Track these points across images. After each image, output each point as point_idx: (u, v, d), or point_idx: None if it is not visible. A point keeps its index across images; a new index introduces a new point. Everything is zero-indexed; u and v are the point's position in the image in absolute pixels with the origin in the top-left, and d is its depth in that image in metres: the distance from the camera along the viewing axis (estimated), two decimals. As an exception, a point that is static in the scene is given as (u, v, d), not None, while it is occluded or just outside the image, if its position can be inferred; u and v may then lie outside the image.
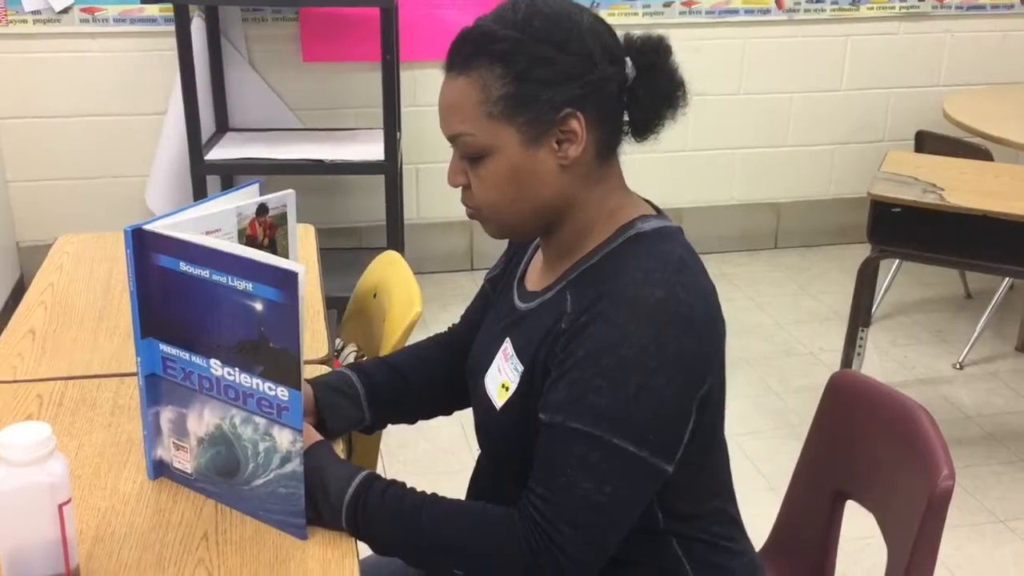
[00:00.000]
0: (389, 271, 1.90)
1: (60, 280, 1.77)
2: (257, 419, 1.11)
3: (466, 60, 1.11)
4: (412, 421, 1.51)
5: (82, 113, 3.43)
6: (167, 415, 1.19)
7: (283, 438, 1.10)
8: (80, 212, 3.52)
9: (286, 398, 1.08)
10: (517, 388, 1.18)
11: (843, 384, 1.52)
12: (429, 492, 1.14)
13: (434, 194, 3.75)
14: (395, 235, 3.18)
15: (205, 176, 3.12)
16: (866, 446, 1.45)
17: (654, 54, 1.16)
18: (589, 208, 1.17)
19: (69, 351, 1.52)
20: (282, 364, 1.06)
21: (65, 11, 3.30)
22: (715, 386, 1.15)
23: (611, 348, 1.06)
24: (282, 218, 1.29)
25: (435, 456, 2.72)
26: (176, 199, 3.31)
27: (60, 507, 0.95)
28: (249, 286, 1.05)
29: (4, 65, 3.33)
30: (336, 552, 1.10)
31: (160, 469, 1.22)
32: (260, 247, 1.28)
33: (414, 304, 1.72)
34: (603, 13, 3.62)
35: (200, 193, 3.15)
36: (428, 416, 1.48)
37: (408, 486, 1.14)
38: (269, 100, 3.51)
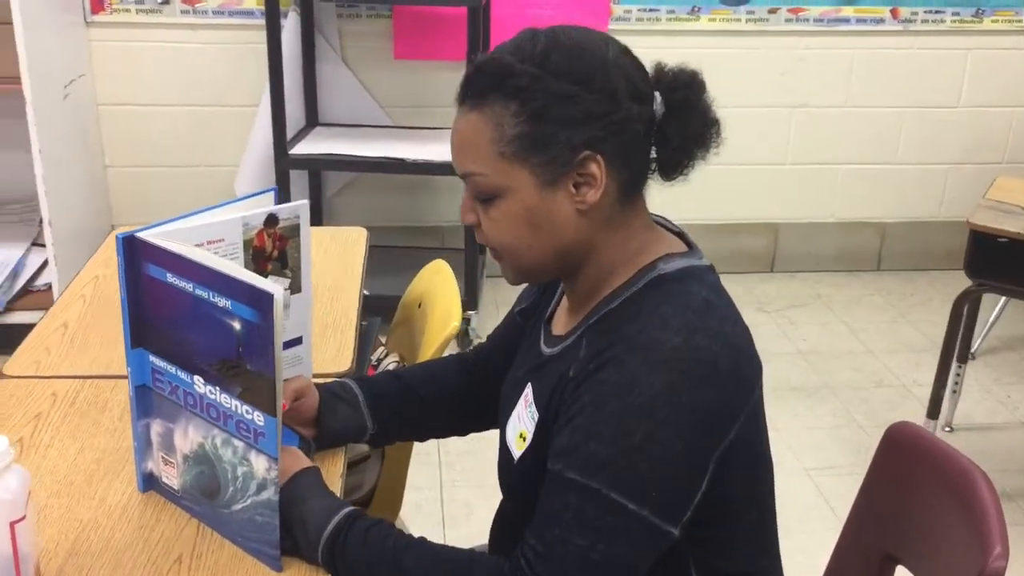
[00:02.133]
0: (435, 280, 1.84)
1: (106, 274, 1.77)
2: (236, 442, 1.06)
3: (480, 94, 1.04)
4: (423, 438, 1.45)
5: (179, 102, 3.49)
6: (156, 428, 1.16)
7: (259, 464, 1.05)
8: (173, 199, 3.59)
9: (262, 423, 1.02)
10: (532, 439, 1.11)
11: (900, 437, 1.39)
12: (417, 535, 1.08)
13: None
14: (474, 238, 3.12)
15: (288, 170, 3.13)
16: (920, 508, 1.33)
17: (687, 90, 1.06)
18: (610, 251, 1.09)
19: (94, 348, 1.51)
20: (258, 388, 1.01)
21: (166, 2, 3.36)
22: (744, 442, 1.04)
23: (618, 394, 0.98)
24: (294, 230, 1.24)
25: (495, 468, 2.65)
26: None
27: (12, 524, 0.92)
28: (228, 304, 1.01)
29: (105, 52, 3.41)
30: (308, 588, 1.05)
31: (150, 482, 1.19)
32: (268, 259, 1.23)
33: (452, 317, 1.67)
34: (704, 20, 3.48)
35: (283, 187, 3.16)
36: (440, 434, 1.42)
37: (394, 527, 1.08)
38: (359, 96, 3.50)
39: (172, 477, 1.16)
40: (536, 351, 1.18)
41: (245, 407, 1.03)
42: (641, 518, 0.98)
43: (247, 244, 1.20)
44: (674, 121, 1.06)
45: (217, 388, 1.06)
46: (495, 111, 1.03)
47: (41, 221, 3.06)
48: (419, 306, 1.86)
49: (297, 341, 1.31)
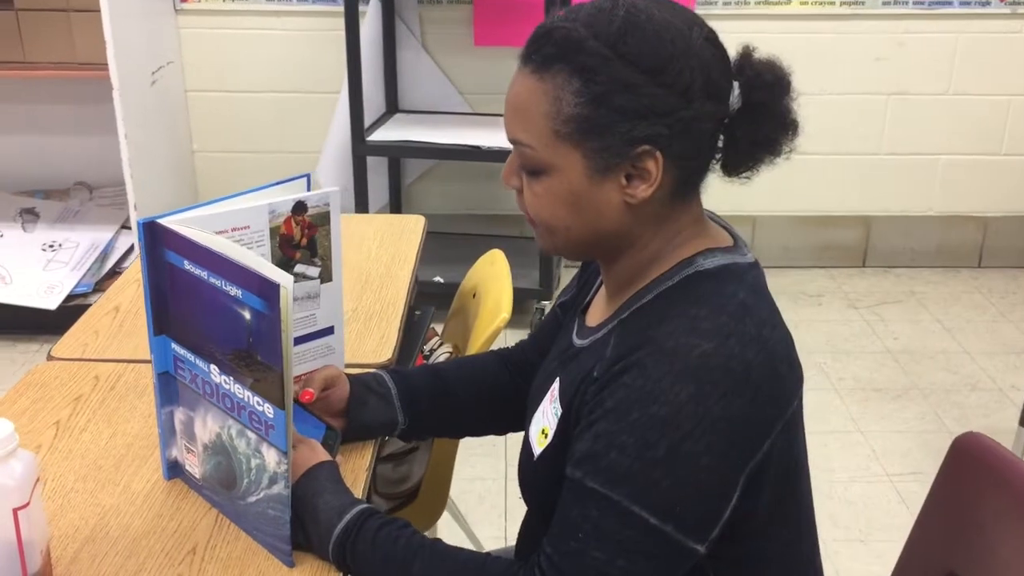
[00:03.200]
0: (489, 271, 1.80)
1: (163, 258, 1.78)
2: (249, 433, 1.04)
3: (545, 60, 0.96)
4: (457, 435, 1.41)
5: (264, 89, 3.53)
6: (179, 416, 1.15)
7: (270, 457, 1.02)
8: (257, 184, 3.63)
9: (272, 416, 1.00)
10: (553, 437, 1.05)
11: (968, 449, 1.29)
12: (431, 537, 1.04)
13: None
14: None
15: (366, 156, 3.13)
16: (987, 525, 1.23)
17: (767, 92, 0.98)
18: (653, 244, 1.02)
19: (141, 333, 1.52)
20: (267, 380, 0.98)
21: (252, -11, 3.40)
22: (779, 455, 0.97)
23: (641, 403, 0.91)
24: (324, 217, 1.21)
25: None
26: (344, 177, 3.34)
27: (15, 511, 0.91)
28: (239, 293, 0.98)
29: (194, 40, 3.47)
30: (316, 587, 1.02)
31: (175, 470, 1.18)
32: (297, 247, 1.21)
33: (502, 309, 1.62)
34: (795, 3, 3.35)
35: (360, 173, 3.16)
36: (477, 432, 1.37)
37: (408, 527, 1.04)
38: (439, 83, 3.48)
39: (194, 466, 1.15)
40: (568, 342, 1.13)
41: (256, 398, 1.01)
42: (664, 534, 0.92)
43: (274, 231, 1.18)
44: (747, 122, 0.98)
45: (231, 378, 1.04)
46: (556, 83, 0.95)
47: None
48: (473, 296, 1.82)
49: (328, 331, 1.28)
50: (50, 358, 1.45)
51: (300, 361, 1.27)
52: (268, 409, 1.00)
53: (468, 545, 1.97)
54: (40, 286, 3.21)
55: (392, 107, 3.45)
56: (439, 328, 1.95)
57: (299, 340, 1.26)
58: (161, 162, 3.36)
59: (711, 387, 0.90)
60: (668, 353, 0.92)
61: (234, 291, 0.99)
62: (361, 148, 3.10)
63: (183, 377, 1.11)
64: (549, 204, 1.00)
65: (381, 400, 1.25)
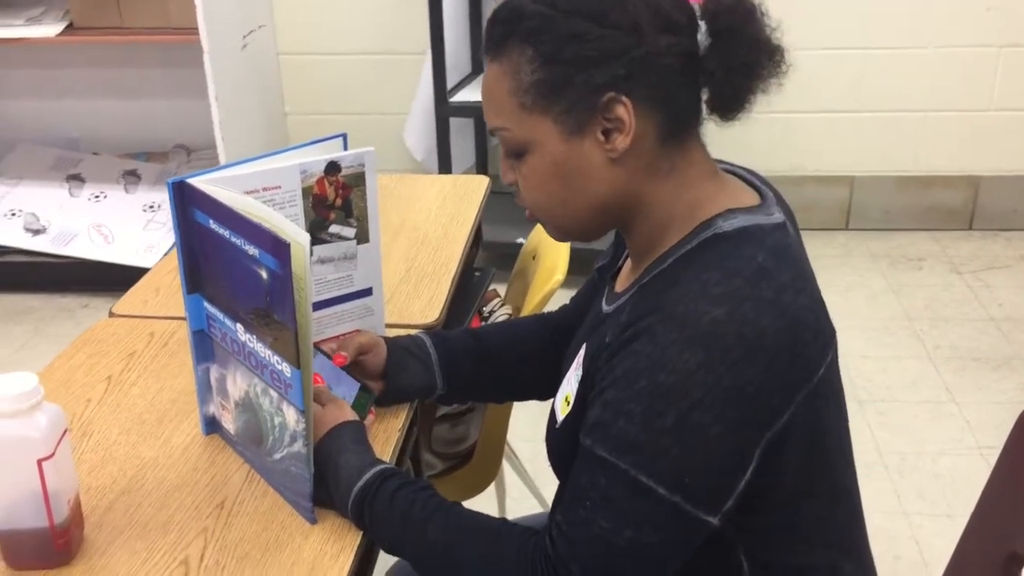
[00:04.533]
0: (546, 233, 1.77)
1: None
2: (272, 392, 1.05)
3: (498, 43, 0.97)
4: (500, 400, 1.40)
5: (354, 50, 3.56)
6: (214, 373, 1.17)
7: (290, 415, 1.03)
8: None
9: (289, 375, 1.00)
10: (574, 404, 1.04)
11: (1036, 424, 1.21)
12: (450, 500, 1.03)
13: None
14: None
15: (448, 117, 3.13)
16: (1053, 506, 1.15)
17: (729, 16, 0.94)
18: (663, 203, 0.99)
19: (199, 291, 1.55)
20: (283, 339, 0.99)
21: (342, -50, 3.42)
22: (804, 425, 0.93)
23: (649, 371, 0.88)
24: (359, 178, 1.20)
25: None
26: (430, 139, 3.35)
27: (39, 462, 0.94)
28: (256, 252, 0.99)
29: (286, 3, 3.51)
30: (335, 546, 1.02)
31: (212, 426, 1.21)
32: (331, 208, 1.20)
33: (556, 271, 1.60)
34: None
35: (443, 135, 3.16)
36: (518, 397, 1.36)
37: (427, 489, 1.03)
38: (526, 41, 3.44)
39: (228, 422, 1.17)
40: (598, 308, 1.10)
41: (276, 357, 1.02)
42: (673, 504, 0.89)
43: (306, 192, 1.18)
44: (717, 51, 0.94)
45: (253, 337, 1.05)
46: (512, 59, 0.96)
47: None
48: (533, 258, 1.80)
49: (367, 292, 1.28)
50: (111, 315, 1.50)
51: (338, 322, 1.27)
52: (285, 368, 1.00)
53: (534, 504, 1.97)
54: (140, 245, 3.33)
55: (478, 68, 3.43)
56: (503, 290, 1.94)
57: (336, 301, 1.26)
58: (253, 124, 3.43)
59: (722, 355, 0.87)
60: (677, 319, 0.88)
61: (252, 250, 0.99)
62: (444, 109, 3.10)
63: (215, 335, 1.13)
64: (538, 182, 0.99)
65: (419, 364, 1.24)
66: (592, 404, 0.95)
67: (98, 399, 1.28)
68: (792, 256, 0.95)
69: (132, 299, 1.54)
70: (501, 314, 1.80)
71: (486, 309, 1.82)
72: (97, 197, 3.51)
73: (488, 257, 3.01)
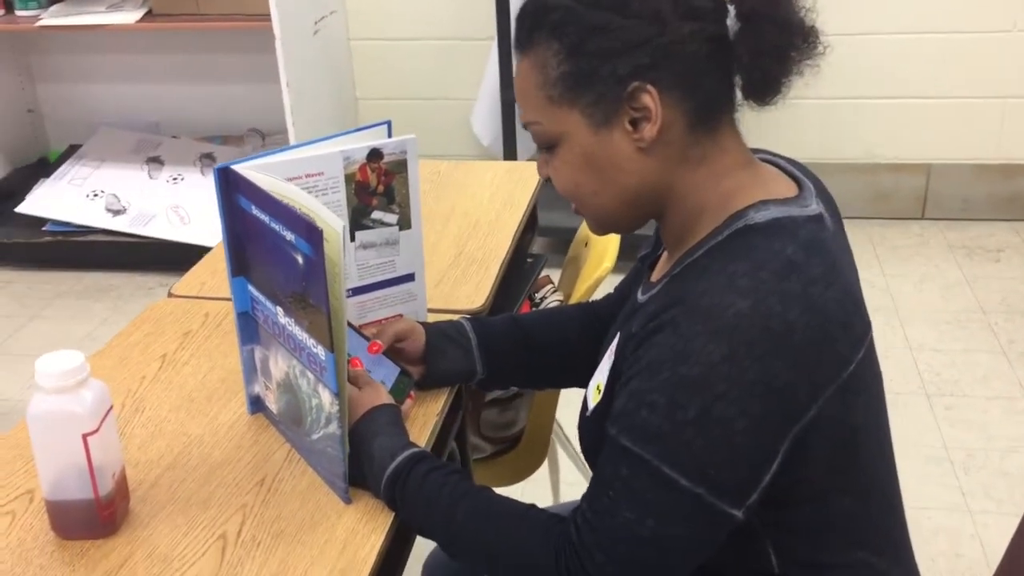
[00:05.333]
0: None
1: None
2: (309, 374, 1.08)
3: (526, 38, 0.98)
4: (540, 386, 1.40)
5: (425, 36, 3.58)
6: (258, 354, 1.20)
7: (325, 398, 1.06)
8: (417, 132, 3.69)
9: (324, 358, 1.03)
10: (604, 393, 1.04)
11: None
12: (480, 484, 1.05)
13: (760, 131, 3.46)
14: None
15: (514, 103, 3.13)
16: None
17: (755, 1, 0.93)
18: (695, 192, 0.99)
19: (254, 274, 1.59)
20: (318, 323, 1.01)
21: (411, -63, 3.45)
22: (834, 420, 0.92)
23: (672, 362, 0.89)
24: (400, 165, 1.22)
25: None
26: (497, 125, 3.36)
27: (84, 437, 0.98)
28: (293, 237, 1.01)
29: (357, -11, 3.56)
30: (368, 526, 1.05)
31: (257, 405, 1.24)
32: (374, 194, 1.22)
33: (605, 259, 1.60)
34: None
35: (509, 121, 3.17)
36: (558, 384, 1.37)
37: (457, 472, 1.05)
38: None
39: (271, 402, 1.20)
40: (634, 297, 1.10)
41: (312, 340, 1.04)
42: (696, 496, 0.89)
43: (349, 178, 1.20)
44: (745, 36, 0.94)
45: (292, 320, 1.07)
46: (539, 53, 0.97)
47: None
48: (585, 245, 1.80)
49: (409, 278, 1.30)
50: (170, 295, 1.55)
51: (381, 306, 1.30)
52: (320, 351, 1.03)
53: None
54: (215, 227, 3.41)
55: (546, 52, 3.43)
56: (557, 276, 1.94)
57: (379, 286, 1.28)
58: (324, 109, 3.48)
59: (746, 348, 0.86)
60: (702, 311, 0.88)
61: (289, 235, 1.01)
62: (509, 95, 3.11)
63: (259, 317, 1.16)
64: (569, 174, 1.00)
65: (459, 349, 1.26)
66: (619, 394, 0.95)
67: (152, 376, 1.33)
68: (825, 249, 0.94)
69: (191, 280, 1.59)
70: (552, 301, 1.81)
71: (538, 295, 1.83)
72: (175, 179, 3.61)
73: (546, 243, 3.02)
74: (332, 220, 0.98)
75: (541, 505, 1.03)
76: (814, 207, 0.98)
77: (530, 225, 1.88)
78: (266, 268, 1.10)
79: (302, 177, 1.16)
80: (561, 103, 0.97)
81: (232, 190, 1.11)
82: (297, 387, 1.11)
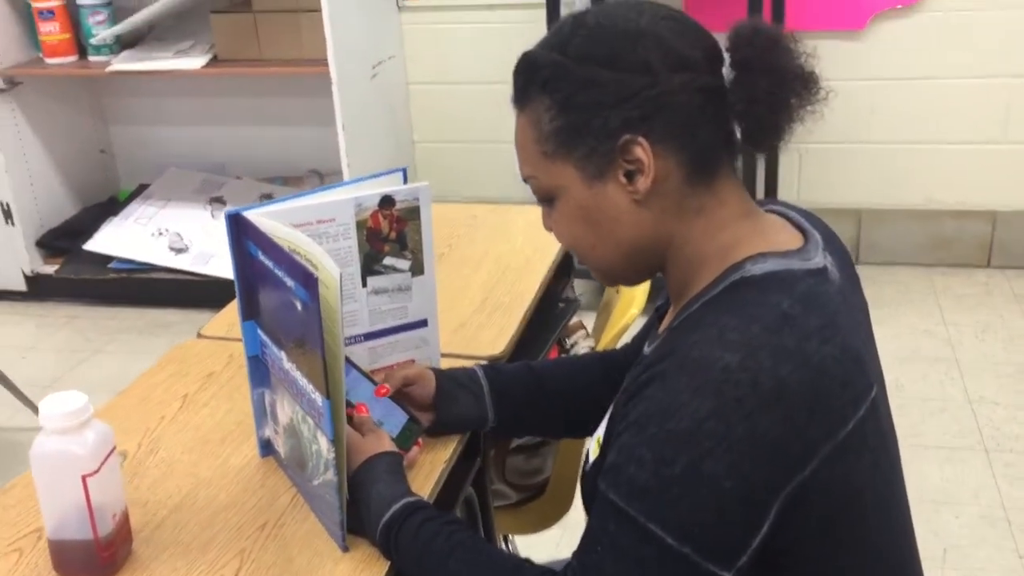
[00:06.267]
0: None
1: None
2: (310, 420, 1.08)
3: (521, 94, 1.00)
4: (554, 435, 1.39)
5: (482, 80, 3.62)
6: (268, 398, 1.21)
7: (323, 444, 1.06)
8: (471, 174, 3.74)
9: (320, 405, 1.03)
10: (602, 446, 1.03)
11: None
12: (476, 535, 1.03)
13: (818, 177, 3.41)
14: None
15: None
16: None
17: (747, 48, 0.92)
18: (695, 243, 0.97)
19: (282, 316, 1.61)
20: (316, 369, 1.02)
21: (470, -17, 3.50)
22: (832, 481, 0.88)
23: (658, 417, 0.87)
24: (413, 212, 1.22)
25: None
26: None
27: (84, 478, 1.00)
28: (292, 284, 1.02)
29: (416, 34, 3.61)
30: (364, 574, 1.04)
31: (268, 448, 1.25)
32: (385, 240, 1.23)
33: (633, 305, 1.58)
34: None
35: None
36: (571, 433, 1.35)
37: (452, 523, 1.04)
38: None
39: (280, 446, 1.21)
40: (644, 349, 1.09)
41: (310, 387, 1.04)
42: (682, 556, 0.86)
43: (360, 225, 1.21)
44: (738, 84, 0.93)
45: (294, 366, 1.08)
46: (533, 109, 0.98)
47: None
48: (617, 291, 1.78)
49: (422, 324, 1.30)
50: (199, 336, 1.58)
51: (392, 351, 1.30)
52: (318, 398, 1.03)
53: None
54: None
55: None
56: (592, 321, 1.93)
57: (390, 331, 1.29)
58: (381, 152, 3.53)
59: (734, 404, 0.84)
60: (689, 365, 0.86)
61: (289, 282, 1.02)
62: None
63: (268, 361, 1.17)
64: (567, 227, 1.00)
65: (470, 395, 1.25)
66: (611, 448, 0.93)
67: (171, 417, 1.34)
68: (823, 303, 0.91)
69: (220, 321, 1.62)
70: (583, 347, 1.79)
71: (569, 341, 1.81)
72: (236, 219, 3.68)
73: (586, 286, 3.00)
74: (330, 267, 0.99)
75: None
76: (818, 260, 0.95)
77: (564, 269, 1.87)
78: (272, 313, 1.11)
79: (313, 223, 1.18)
80: (555, 157, 0.97)
81: (242, 235, 1.13)
82: (300, 432, 1.12)
